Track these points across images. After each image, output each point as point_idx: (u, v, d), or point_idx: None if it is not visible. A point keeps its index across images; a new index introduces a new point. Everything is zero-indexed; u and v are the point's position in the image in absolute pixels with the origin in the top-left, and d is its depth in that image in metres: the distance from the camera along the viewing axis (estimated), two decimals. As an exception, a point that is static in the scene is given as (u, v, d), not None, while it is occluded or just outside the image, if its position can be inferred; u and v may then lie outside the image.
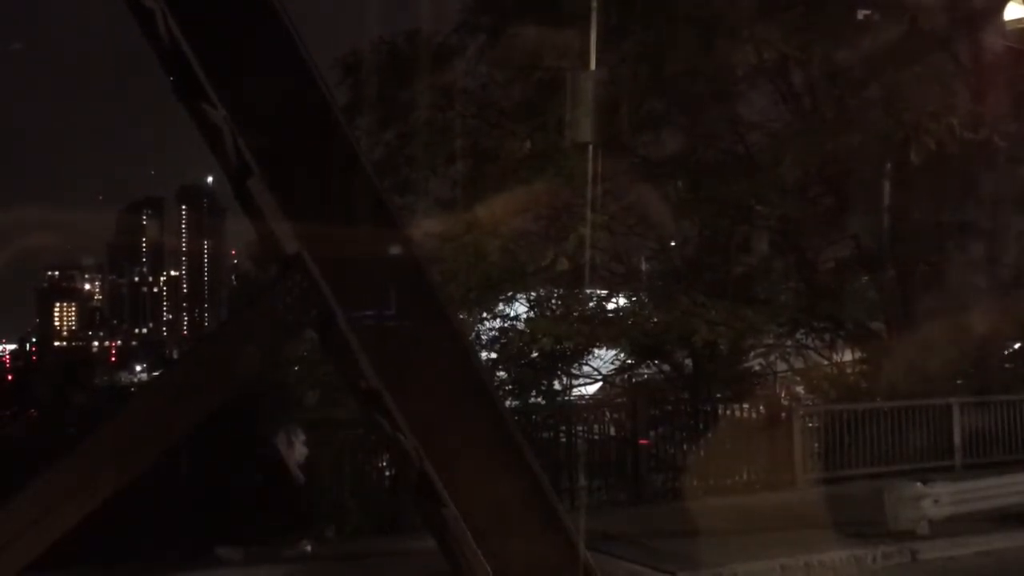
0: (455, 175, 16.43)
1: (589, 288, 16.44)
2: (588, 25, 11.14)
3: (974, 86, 14.91)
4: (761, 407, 15.16)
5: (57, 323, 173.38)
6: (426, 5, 17.71)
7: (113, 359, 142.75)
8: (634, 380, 18.90)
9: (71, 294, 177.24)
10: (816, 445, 14.63)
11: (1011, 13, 13.97)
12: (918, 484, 11.30)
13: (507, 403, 14.96)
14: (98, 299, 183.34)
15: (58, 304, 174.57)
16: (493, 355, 16.72)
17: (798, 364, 18.84)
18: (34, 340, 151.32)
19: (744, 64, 14.48)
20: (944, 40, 14.97)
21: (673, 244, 17.56)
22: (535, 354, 16.62)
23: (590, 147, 11.63)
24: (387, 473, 12.59)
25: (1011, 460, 14.95)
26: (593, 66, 11.17)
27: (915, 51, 14.50)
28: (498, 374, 16.49)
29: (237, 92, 4.28)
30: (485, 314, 16.97)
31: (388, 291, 4.43)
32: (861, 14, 15.16)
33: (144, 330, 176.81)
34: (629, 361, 18.39)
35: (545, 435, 13.90)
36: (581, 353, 17.52)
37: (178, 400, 4.46)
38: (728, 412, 14.98)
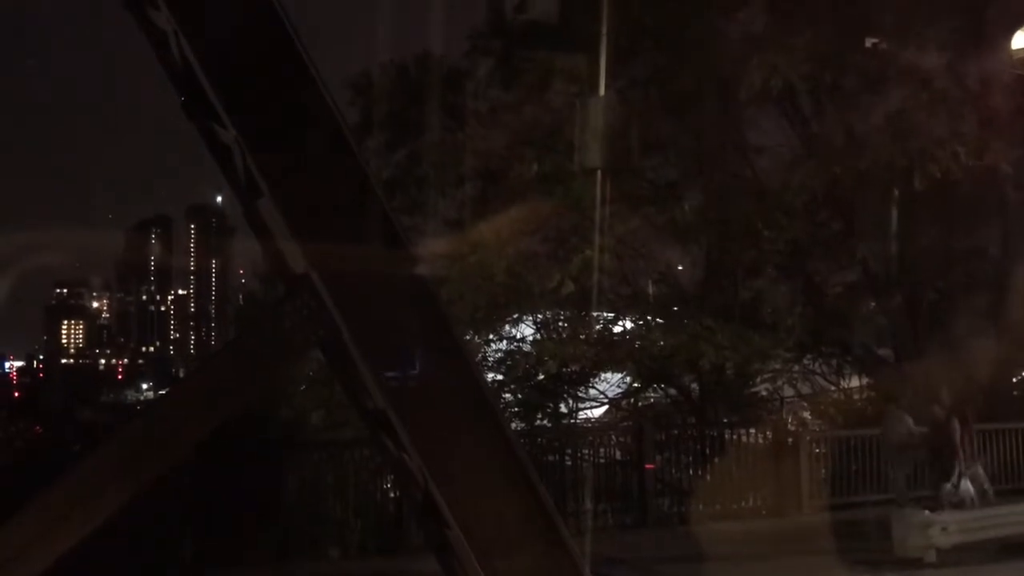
0: (464, 196, 16.51)
1: (596, 311, 16.45)
2: (597, 49, 11.23)
3: (982, 113, 14.94)
4: (768, 432, 15.09)
5: (64, 340, 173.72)
6: (436, 30, 17.88)
7: (120, 377, 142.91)
8: (640, 404, 18.85)
9: (79, 312, 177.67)
10: (823, 471, 14.54)
11: (1019, 42, 14.03)
12: (926, 512, 11.23)
13: (513, 425, 14.93)
14: (106, 317, 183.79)
15: (66, 321, 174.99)
16: (499, 377, 16.71)
17: (805, 389, 18.77)
18: (41, 357, 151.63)
19: (751, 89, 14.55)
20: (951, 67, 15.03)
21: (680, 267, 17.58)
22: (541, 376, 16.61)
23: (599, 171, 11.70)
24: (392, 494, 12.56)
25: (1020, 489, 14.83)
26: (602, 92, 11.25)
27: (922, 78, 14.56)
28: (504, 396, 16.48)
29: (248, 113, 4.31)
30: (491, 335, 16.98)
31: (397, 313, 4.44)
32: (869, 42, 15.23)
33: (151, 348, 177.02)
34: (635, 384, 18.35)
35: (551, 458, 13.86)
36: (587, 376, 17.50)
37: (183, 418, 4.46)
38: (735, 437, 14.91)
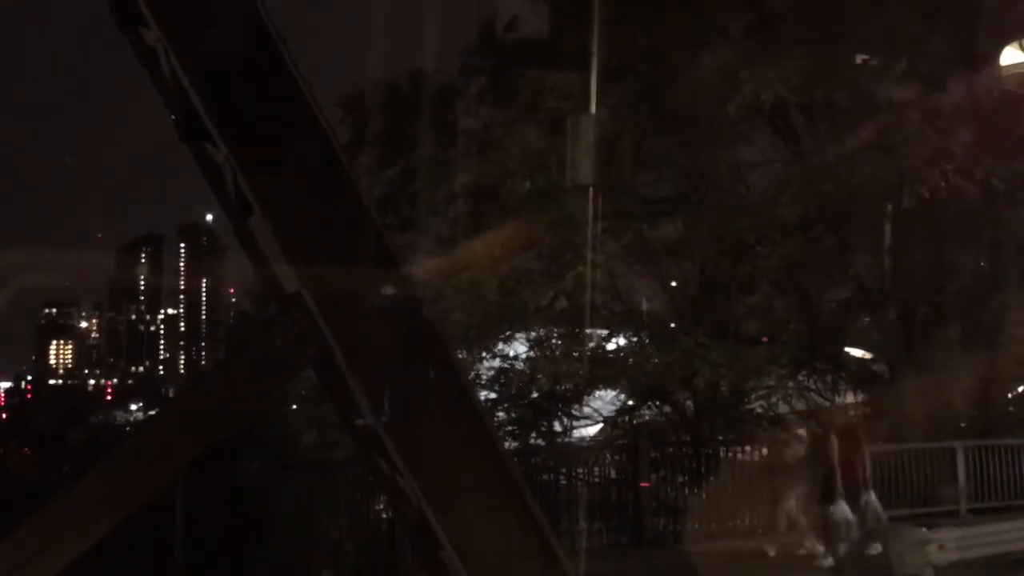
0: (456, 214, 16.50)
1: (589, 328, 16.41)
2: (588, 67, 11.26)
3: (972, 129, 15.02)
4: (763, 449, 15.04)
5: (53, 361, 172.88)
6: (428, 48, 17.93)
7: (109, 397, 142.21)
8: (635, 421, 18.79)
9: (68, 331, 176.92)
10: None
11: (1008, 58, 14.15)
12: (923, 529, 11.16)
13: (507, 444, 14.86)
14: (95, 337, 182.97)
15: (55, 341, 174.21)
16: (493, 395, 16.65)
17: (800, 406, 18.75)
18: (30, 378, 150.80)
19: (742, 102, 14.61)
20: (942, 83, 15.13)
21: (674, 284, 17.57)
22: (535, 394, 16.55)
23: (591, 188, 11.68)
24: (384, 515, 12.47)
25: (1016, 505, 14.79)
26: (594, 108, 11.26)
27: (912, 94, 14.65)
28: (498, 414, 16.40)
29: (239, 131, 4.29)
30: (484, 353, 16.93)
31: (390, 331, 4.40)
32: (859, 58, 15.33)
33: (141, 368, 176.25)
34: (630, 402, 18.30)
35: (545, 477, 13.80)
36: (581, 394, 17.43)
37: (174, 438, 4.41)
38: (730, 454, 14.86)
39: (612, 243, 15.37)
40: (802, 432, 12.85)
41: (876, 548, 11.96)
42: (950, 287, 16.86)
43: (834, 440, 12.06)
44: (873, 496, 12.33)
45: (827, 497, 11.88)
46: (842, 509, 11.75)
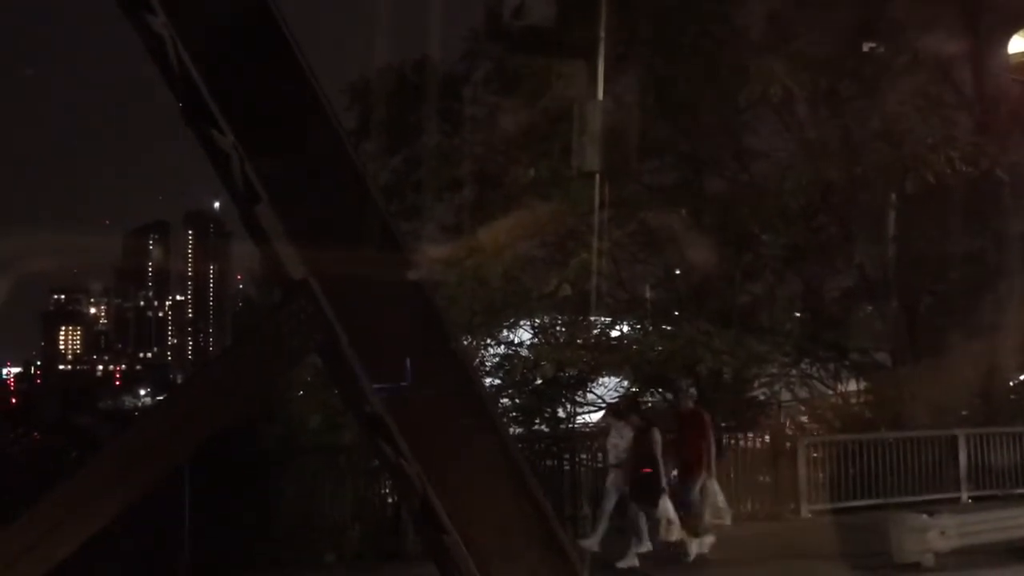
0: (461, 201, 16.52)
1: (593, 315, 16.45)
2: (594, 54, 11.27)
3: (977, 118, 14.98)
4: (766, 437, 15.07)
5: (62, 346, 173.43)
6: (434, 35, 17.90)
7: (117, 383, 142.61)
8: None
9: (76, 318, 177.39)
10: (821, 476, 14.54)
11: (1015, 46, 14.09)
12: (924, 516, 11.20)
13: (511, 430, 14.92)
14: (103, 323, 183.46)
15: (63, 328, 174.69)
16: (497, 381, 16.71)
17: (803, 394, 18.78)
18: (39, 363, 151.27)
19: (752, 96, 14.57)
20: (947, 72, 15.08)
21: (678, 272, 17.59)
22: (539, 381, 16.61)
23: (596, 175, 11.71)
24: (389, 499, 12.54)
25: (1017, 492, 14.83)
26: (600, 96, 11.27)
27: (917, 83, 14.60)
28: (501, 401, 16.47)
29: (246, 118, 4.31)
30: (489, 340, 16.98)
31: (395, 318, 4.44)
32: (866, 46, 15.29)
33: (149, 354, 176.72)
34: (633, 389, 18.35)
35: (549, 462, 13.85)
36: (585, 380, 17.49)
37: (179, 425, 4.45)
38: (732, 441, 14.90)
39: (616, 231, 15.38)
40: (622, 423, 11.78)
41: (708, 541, 11.42)
42: (953, 276, 16.85)
43: (656, 434, 11.25)
44: (716, 486, 11.61)
45: (646, 495, 11.01)
46: (664, 507, 10.93)
